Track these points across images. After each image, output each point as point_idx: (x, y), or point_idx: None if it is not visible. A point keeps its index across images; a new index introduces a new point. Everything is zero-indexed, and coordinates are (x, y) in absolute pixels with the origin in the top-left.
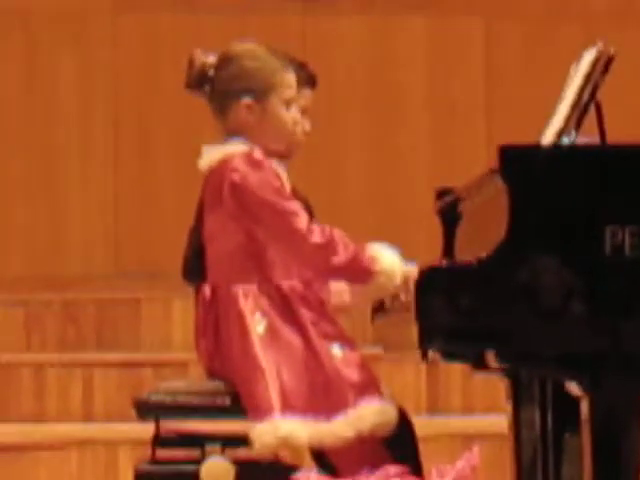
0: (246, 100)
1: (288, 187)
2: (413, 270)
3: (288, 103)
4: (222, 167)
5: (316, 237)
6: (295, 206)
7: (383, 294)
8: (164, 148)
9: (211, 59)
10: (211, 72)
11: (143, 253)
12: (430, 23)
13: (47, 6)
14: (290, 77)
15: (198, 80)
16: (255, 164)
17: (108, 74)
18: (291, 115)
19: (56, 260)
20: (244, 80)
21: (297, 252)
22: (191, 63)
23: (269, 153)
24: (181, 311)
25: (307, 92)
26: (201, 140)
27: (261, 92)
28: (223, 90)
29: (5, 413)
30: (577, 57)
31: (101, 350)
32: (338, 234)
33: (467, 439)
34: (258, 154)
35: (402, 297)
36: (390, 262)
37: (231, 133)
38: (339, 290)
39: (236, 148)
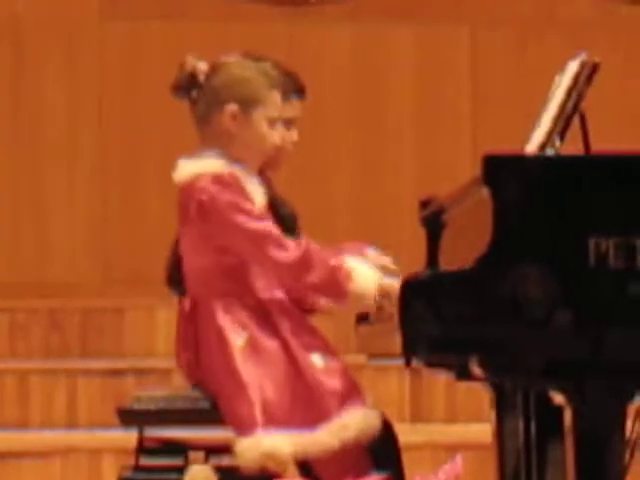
0: (231, 108)
1: (263, 201)
2: (393, 283)
3: (271, 122)
4: (191, 185)
5: (289, 254)
6: (265, 226)
7: (360, 309)
8: (151, 156)
9: (202, 65)
10: (201, 78)
11: (128, 261)
12: (417, 31)
13: (35, 12)
14: (277, 96)
15: (187, 84)
16: (224, 184)
17: (95, 82)
18: (272, 134)
19: (41, 267)
20: (232, 89)
21: (270, 272)
22: (182, 67)
23: (245, 164)
24: (165, 320)
25: (295, 102)
26: (187, 148)
27: (247, 103)
28: (210, 97)
29: None
30: (563, 64)
31: (85, 358)
32: (314, 250)
33: (450, 448)
34: (227, 174)
35: (386, 307)
36: (365, 280)
37: (210, 142)
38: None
39: (209, 164)
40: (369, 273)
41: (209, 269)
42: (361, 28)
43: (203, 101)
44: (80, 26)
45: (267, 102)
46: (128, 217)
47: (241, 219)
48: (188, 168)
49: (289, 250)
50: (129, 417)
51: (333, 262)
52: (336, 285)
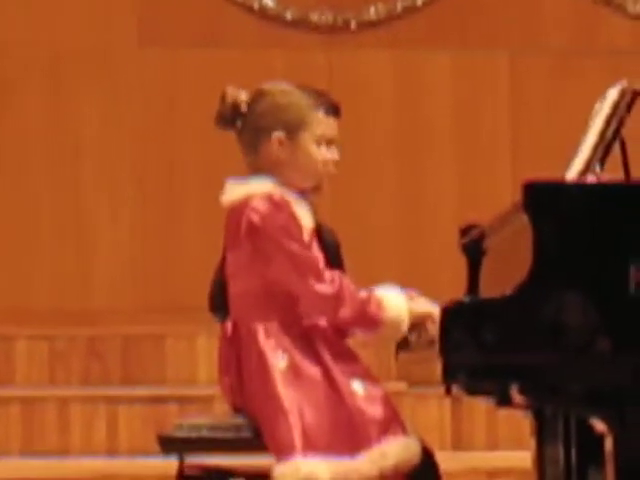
0: (278, 135)
1: (311, 225)
2: (424, 307)
3: (319, 141)
4: (242, 205)
5: (325, 288)
6: (310, 255)
7: (394, 337)
8: (190, 183)
9: (243, 95)
10: (243, 108)
11: (168, 288)
12: (455, 57)
13: (72, 40)
14: (321, 115)
15: (230, 116)
16: (275, 205)
17: (134, 110)
18: (321, 153)
19: (82, 295)
20: (276, 116)
21: (305, 301)
22: (223, 99)
23: (296, 189)
24: (206, 347)
25: (333, 121)
26: (226, 176)
27: (293, 128)
28: (255, 125)
29: (30, 448)
30: (602, 92)
31: (126, 385)
32: (346, 284)
33: (491, 475)
34: (279, 196)
35: (423, 333)
36: (396, 310)
37: (259, 169)
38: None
39: (259, 186)
40: (399, 300)
41: (253, 292)
42: (400, 54)
43: (248, 130)
44: (119, 54)
45: (312, 123)
46: (168, 245)
47: (288, 244)
48: (238, 190)
49: (325, 282)
50: (170, 444)
51: (363, 294)
52: (368, 316)
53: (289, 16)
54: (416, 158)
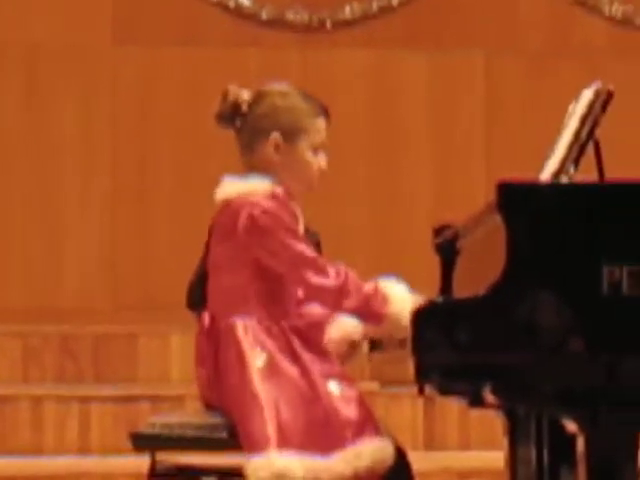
0: (275, 138)
1: (302, 227)
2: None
3: (316, 149)
4: (242, 199)
5: (329, 281)
6: (309, 251)
7: (399, 332)
8: (163, 182)
9: (245, 95)
10: (244, 107)
11: (141, 287)
12: (430, 57)
13: (48, 39)
14: (321, 123)
15: (230, 114)
16: (277, 202)
17: (109, 107)
18: (317, 160)
19: (54, 293)
20: (275, 118)
21: (309, 294)
22: (225, 96)
23: (289, 193)
24: (178, 345)
25: (325, 127)
26: (200, 173)
27: (291, 133)
28: (253, 126)
29: (2, 446)
30: (577, 93)
31: (98, 383)
32: (351, 277)
33: (463, 475)
34: (281, 193)
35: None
36: (401, 304)
37: (253, 169)
38: (350, 328)
39: (260, 183)
40: (405, 295)
41: (238, 286)
42: (375, 53)
43: (247, 130)
44: (94, 51)
45: (310, 130)
46: (140, 244)
47: (288, 239)
48: (236, 186)
49: (329, 277)
50: (142, 442)
51: (369, 287)
52: (373, 310)
53: (265, 15)
54: (391, 158)
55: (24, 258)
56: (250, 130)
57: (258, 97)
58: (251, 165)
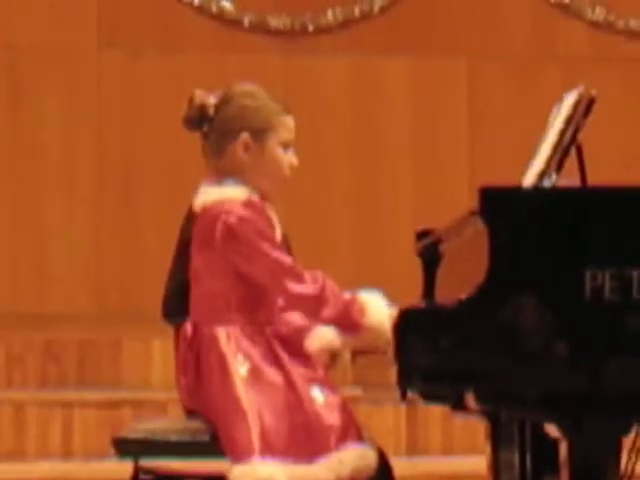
0: (244, 138)
1: (280, 231)
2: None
3: (285, 146)
4: (218, 208)
5: (307, 288)
6: (286, 258)
7: (375, 342)
8: (148, 188)
9: (211, 99)
10: (211, 112)
11: (125, 293)
12: (413, 63)
13: (32, 42)
14: (289, 120)
15: (197, 118)
16: (253, 209)
17: (93, 111)
18: (287, 158)
19: (38, 299)
20: (243, 119)
21: (289, 302)
22: (191, 101)
23: (259, 193)
24: (161, 352)
25: (292, 124)
26: (185, 181)
27: (259, 131)
28: (222, 129)
29: None
30: (559, 99)
31: (82, 388)
32: (329, 285)
33: None
34: (258, 200)
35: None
36: (379, 316)
37: (224, 173)
38: (329, 337)
39: (234, 191)
40: (382, 306)
41: (219, 294)
42: (357, 59)
43: (215, 133)
44: (78, 55)
45: (279, 127)
46: (124, 250)
47: (265, 247)
48: (213, 193)
49: (306, 284)
50: (124, 448)
51: (347, 296)
52: (350, 319)
53: (247, 20)
54: (373, 164)
55: (8, 263)
56: (219, 133)
57: (225, 99)
58: (220, 168)
